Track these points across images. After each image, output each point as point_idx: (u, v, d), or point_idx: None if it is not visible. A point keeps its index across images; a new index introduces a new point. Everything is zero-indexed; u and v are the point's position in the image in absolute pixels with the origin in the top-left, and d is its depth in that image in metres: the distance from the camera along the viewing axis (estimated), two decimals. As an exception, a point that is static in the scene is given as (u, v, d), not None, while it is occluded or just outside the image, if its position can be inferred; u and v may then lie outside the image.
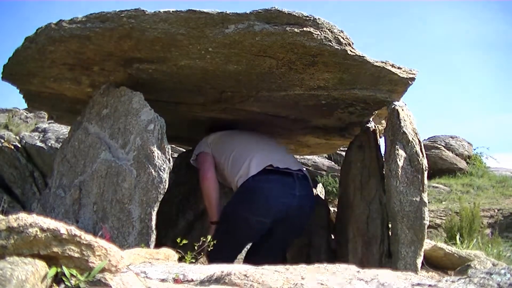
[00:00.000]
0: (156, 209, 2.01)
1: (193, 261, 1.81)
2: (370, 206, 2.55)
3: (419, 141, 2.36)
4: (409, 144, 2.31)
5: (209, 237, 1.92)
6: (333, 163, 8.09)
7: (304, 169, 2.64)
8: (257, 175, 2.38)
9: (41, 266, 0.93)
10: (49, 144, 4.58)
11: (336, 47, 2.02)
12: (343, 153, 3.80)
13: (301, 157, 7.98)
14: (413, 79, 2.38)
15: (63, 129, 4.86)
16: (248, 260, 2.42)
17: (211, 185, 2.50)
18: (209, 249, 1.93)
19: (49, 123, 5.53)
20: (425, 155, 2.36)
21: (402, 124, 2.35)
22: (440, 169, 8.39)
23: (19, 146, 4.59)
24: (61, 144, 2.84)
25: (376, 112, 2.78)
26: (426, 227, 2.23)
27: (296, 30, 1.94)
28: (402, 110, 2.43)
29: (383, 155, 2.61)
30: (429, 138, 9.45)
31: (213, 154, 2.63)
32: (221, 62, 2.14)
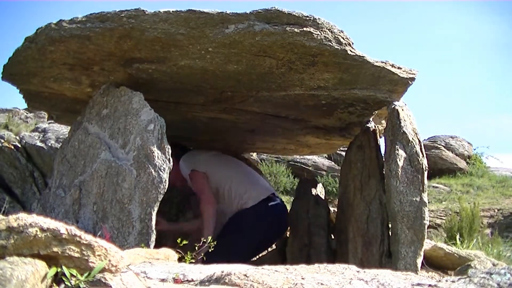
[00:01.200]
0: (156, 209, 2.01)
1: (193, 261, 1.81)
2: (370, 206, 2.55)
3: (419, 141, 2.36)
4: (409, 144, 2.31)
5: (209, 238, 1.92)
6: (333, 163, 8.09)
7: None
8: (262, 202, 2.88)
9: (41, 266, 0.93)
10: (49, 144, 4.57)
11: (336, 47, 2.02)
12: (343, 153, 3.80)
13: (301, 157, 7.99)
14: (413, 79, 2.38)
15: (63, 129, 4.85)
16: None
17: (212, 210, 2.78)
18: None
19: (49, 123, 5.53)
20: (425, 155, 2.36)
21: (402, 124, 2.35)
22: (440, 169, 8.38)
23: (19, 146, 4.58)
24: (61, 144, 2.84)
25: (376, 112, 2.78)
26: (426, 227, 2.22)
27: (296, 30, 1.94)
28: (402, 110, 2.43)
29: (383, 155, 2.60)
30: (429, 138, 9.45)
31: (208, 173, 2.90)
32: (221, 62, 2.14)
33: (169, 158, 2.09)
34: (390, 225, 2.42)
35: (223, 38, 1.97)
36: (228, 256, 1.97)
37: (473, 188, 7.38)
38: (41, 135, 4.89)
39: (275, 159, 7.91)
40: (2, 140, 4.47)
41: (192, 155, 3.07)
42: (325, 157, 8.23)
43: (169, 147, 2.12)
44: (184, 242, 1.84)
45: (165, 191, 2.04)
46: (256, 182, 3.08)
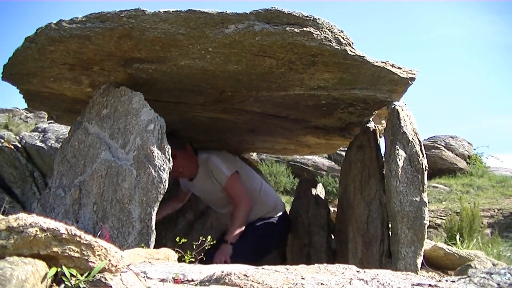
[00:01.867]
0: (156, 209, 2.01)
1: (193, 260, 1.81)
2: (370, 206, 2.55)
3: (419, 141, 2.36)
4: (409, 144, 2.31)
5: (209, 237, 1.92)
6: (333, 163, 8.10)
7: None
8: (284, 213, 3.17)
9: (41, 266, 0.93)
10: (49, 144, 4.58)
11: (336, 47, 2.01)
12: (343, 153, 3.80)
13: (301, 157, 7.99)
14: (413, 79, 2.38)
15: (63, 129, 4.85)
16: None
17: (247, 216, 2.87)
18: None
19: (49, 123, 5.54)
20: (425, 155, 2.36)
21: (402, 124, 2.35)
22: (440, 169, 8.39)
23: (19, 146, 4.59)
24: (61, 144, 2.84)
25: (376, 112, 2.78)
26: (426, 227, 2.22)
27: (296, 30, 1.94)
28: (402, 110, 2.43)
29: (383, 155, 2.60)
30: (429, 138, 9.46)
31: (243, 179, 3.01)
32: (221, 62, 2.14)
33: (169, 158, 2.09)
34: (390, 225, 2.42)
35: (223, 38, 1.97)
36: (253, 255, 2.37)
37: (473, 188, 7.39)
38: (41, 135, 4.89)
39: (275, 159, 7.92)
40: (2, 140, 4.48)
41: (228, 157, 3.06)
42: (325, 157, 8.24)
43: (169, 146, 2.12)
44: (183, 240, 1.84)
45: (165, 191, 2.04)
46: (276, 194, 3.37)
